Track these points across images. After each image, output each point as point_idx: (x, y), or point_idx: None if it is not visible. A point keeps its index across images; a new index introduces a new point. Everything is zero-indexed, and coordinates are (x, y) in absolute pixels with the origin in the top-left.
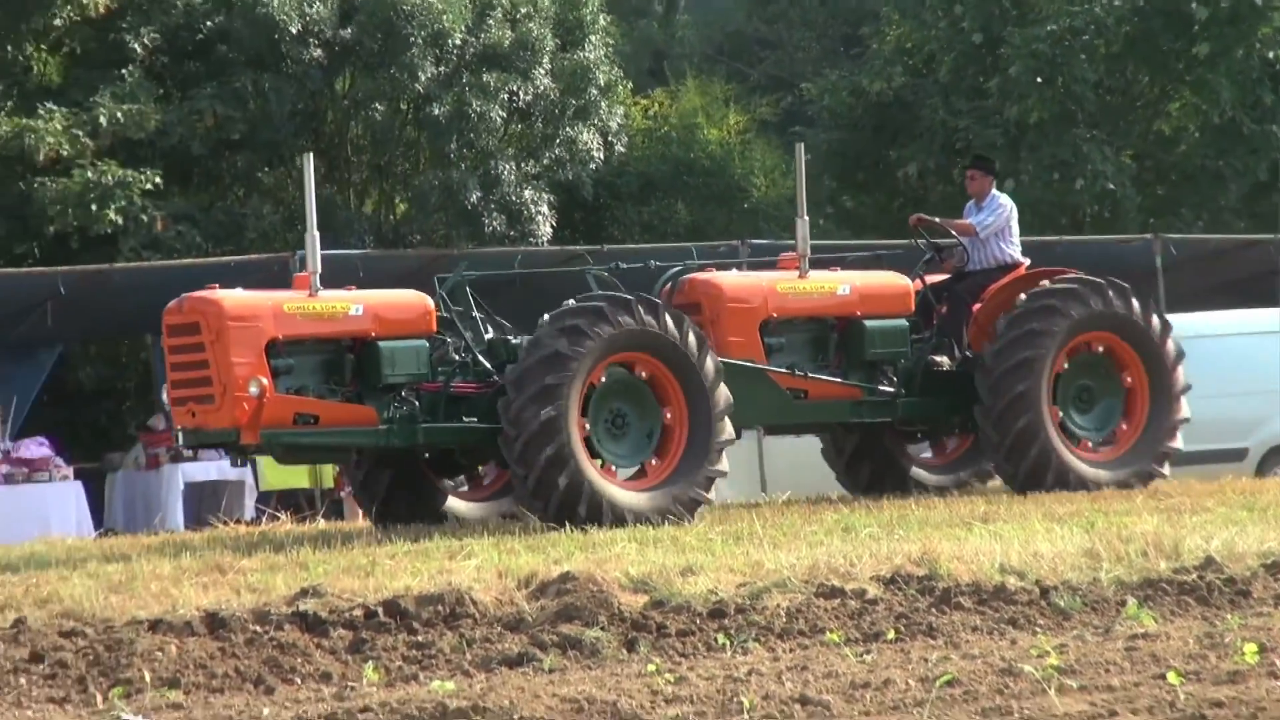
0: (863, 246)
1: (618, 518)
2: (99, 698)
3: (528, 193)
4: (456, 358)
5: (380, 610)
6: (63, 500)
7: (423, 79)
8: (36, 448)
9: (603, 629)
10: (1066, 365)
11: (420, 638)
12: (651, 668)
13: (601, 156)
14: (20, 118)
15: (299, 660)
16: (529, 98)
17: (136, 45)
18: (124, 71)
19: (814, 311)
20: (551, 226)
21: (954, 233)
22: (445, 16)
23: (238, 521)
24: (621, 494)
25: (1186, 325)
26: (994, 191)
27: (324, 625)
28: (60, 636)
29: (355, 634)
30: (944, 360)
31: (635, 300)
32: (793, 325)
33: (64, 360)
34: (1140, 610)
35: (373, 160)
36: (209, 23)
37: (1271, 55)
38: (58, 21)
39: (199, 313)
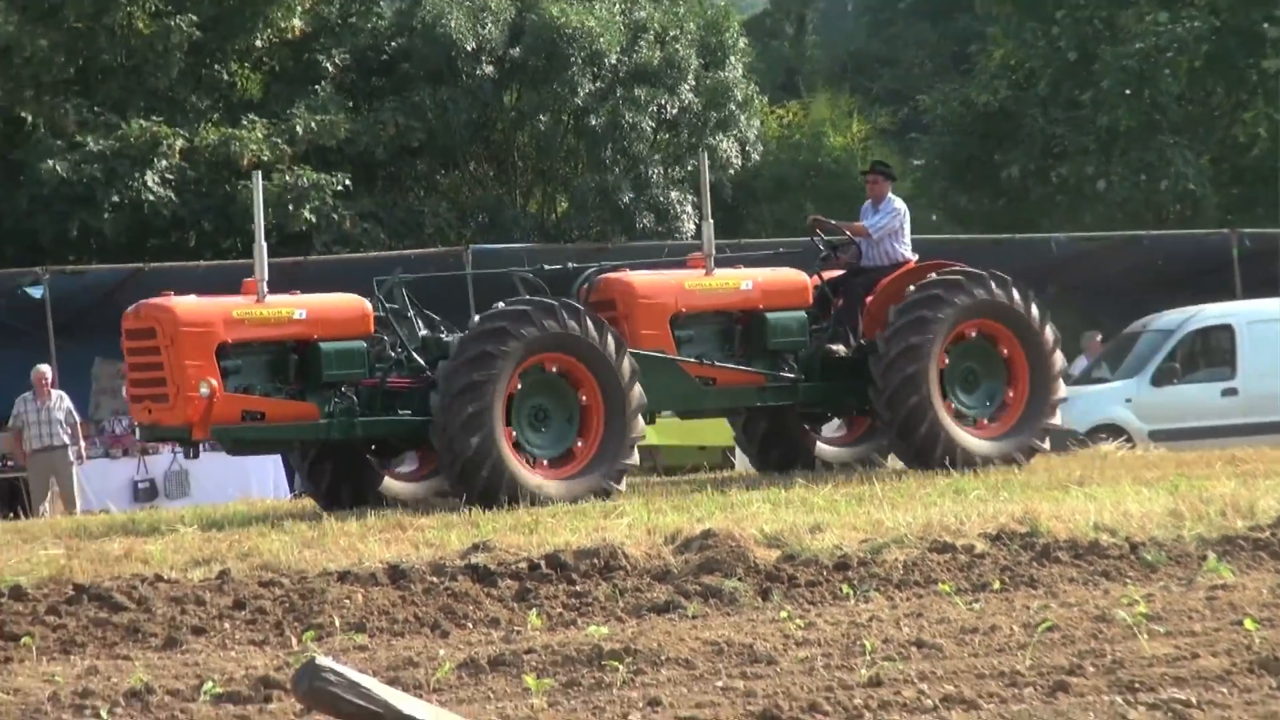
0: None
1: (538, 503)
2: (294, 640)
3: (674, 194)
4: (393, 355)
5: (543, 563)
6: (262, 466)
7: (582, 93)
8: None
9: (740, 580)
10: (948, 357)
11: (578, 587)
12: (784, 614)
13: (739, 163)
14: (226, 128)
15: (471, 608)
16: (675, 110)
17: (328, 64)
18: (317, 87)
19: (720, 306)
20: (694, 224)
21: (849, 233)
22: (602, 38)
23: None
24: (541, 482)
25: (1261, 310)
26: (890, 195)
27: (493, 576)
28: (259, 586)
29: (521, 584)
30: (840, 348)
31: (559, 305)
32: (700, 319)
33: None
34: (1219, 564)
35: (537, 165)
36: (393, 43)
37: None
38: (259, 43)
39: (154, 319)
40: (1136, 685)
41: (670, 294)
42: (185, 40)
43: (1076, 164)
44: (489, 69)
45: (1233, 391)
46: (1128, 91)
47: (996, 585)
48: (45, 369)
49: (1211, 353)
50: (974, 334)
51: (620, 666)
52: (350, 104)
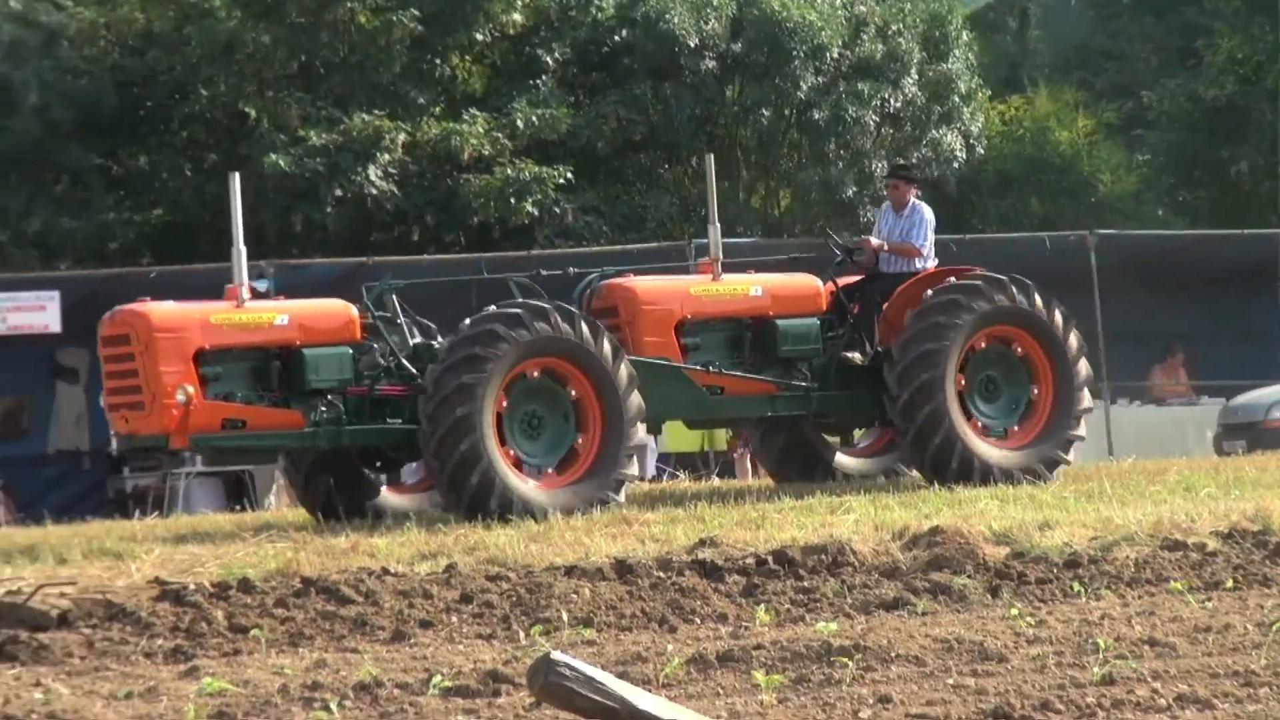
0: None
1: (530, 514)
2: (521, 635)
3: None
4: (383, 362)
5: (770, 559)
6: None
7: (804, 88)
8: None
9: (969, 577)
10: (967, 364)
11: (806, 583)
12: (1014, 612)
13: (963, 157)
14: (448, 122)
15: (698, 603)
16: (898, 104)
17: (549, 58)
18: (538, 81)
19: (728, 312)
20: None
21: (895, 254)
22: (824, 32)
23: (641, 479)
24: (531, 491)
25: None
26: (913, 200)
27: (720, 572)
28: (487, 580)
29: (748, 579)
30: (856, 356)
31: (552, 308)
32: (708, 325)
33: None
34: None
35: (759, 160)
36: (614, 37)
37: None
38: (480, 37)
39: (129, 325)
40: None
41: (675, 300)
42: (407, 35)
43: None
44: (711, 63)
45: None
46: None
47: (1229, 584)
48: None
49: None
50: (990, 343)
51: (850, 663)
52: (571, 98)
